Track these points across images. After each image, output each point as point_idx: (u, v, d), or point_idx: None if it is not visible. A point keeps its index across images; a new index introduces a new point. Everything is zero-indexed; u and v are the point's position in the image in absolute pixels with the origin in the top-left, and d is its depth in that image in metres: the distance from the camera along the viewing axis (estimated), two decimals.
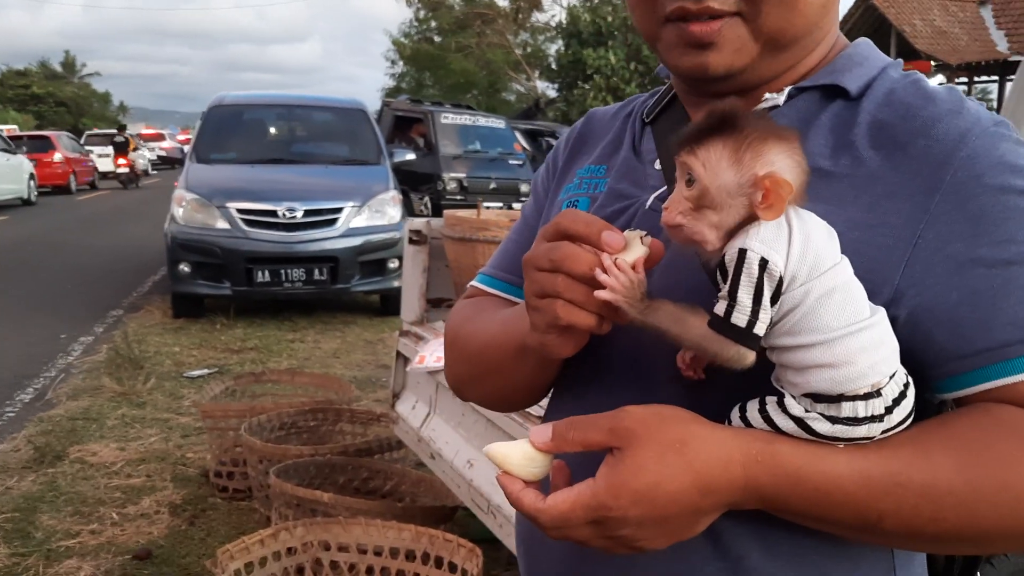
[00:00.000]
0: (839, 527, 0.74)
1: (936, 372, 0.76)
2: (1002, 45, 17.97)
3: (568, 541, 0.76)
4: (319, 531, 2.75)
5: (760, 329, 0.68)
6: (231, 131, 8.87)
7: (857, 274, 0.73)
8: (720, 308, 0.69)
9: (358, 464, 3.68)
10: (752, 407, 0.74)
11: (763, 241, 0.67)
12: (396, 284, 7.89)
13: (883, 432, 0.71)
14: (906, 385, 0.71)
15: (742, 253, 0.67)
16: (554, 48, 27.06)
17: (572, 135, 1.09)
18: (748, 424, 0.74)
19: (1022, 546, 0.73)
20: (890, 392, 0.70)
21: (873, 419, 0.69)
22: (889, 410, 0.70)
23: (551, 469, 0.76)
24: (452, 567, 2.65)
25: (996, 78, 19.68)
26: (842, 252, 0.74)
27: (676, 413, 0.74)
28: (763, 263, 0.67)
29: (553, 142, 17.09)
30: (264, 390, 4.96)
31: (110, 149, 26.69)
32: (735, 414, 0.75)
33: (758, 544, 0.80)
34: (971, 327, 0.73)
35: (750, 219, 0.69)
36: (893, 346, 0.71)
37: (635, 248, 0.74)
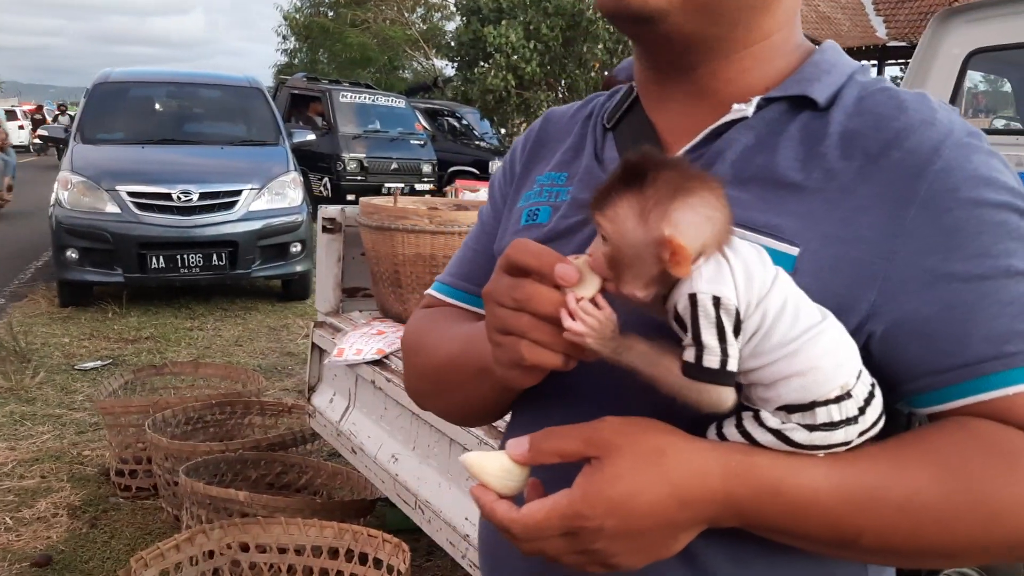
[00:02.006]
0: (817, 542, 0.74)
1: (912, 387, 0.76)
2: (881, 31, 18.73)
3: (538, 557, 0.74)
4: (237, 532, 2.67)
5: (733, 365, 0.68)
6: (118, 110, 8.42)
7: (834, 290, 0.74)
8: (690, 355, 0.68)
9: (271, 459, 3.58)
10: (728, 423, 0.74)
11: (709, 280, 0.68)
12: (299, 269, 7.75)
13: (860, 434, 0.71)
14: (873, 384, 0.72)
15: (692, 298, 0.68)
16: (452, 26, 26.86)
17: (529, 138, 1.05)
18: (724, 439, 0.74)
19: (996, 560, 0.74)
20: (860, 392, 0.70)
21: (848, 421, 0.70)
22: (862, 410, 0.70)
23: (526, 486, 0.75)
24: (377, 563, 2.61)
25: (876, 63, 20.54)
26: (818, 268, 0.74)
27: (654, 424, 0.73)
28: (716, 300, 0.67)
29: (453, 121, 17.06)
30: (165, 382, 4.76)
31: None
32: (711, 431, 0.75)
33: (732, 564, 0.79)
34: (946, 342, 0.73)
35: (668, 272, 0.69)
36: (850, 345, 0.72)
37: (590, 277, 0.72)
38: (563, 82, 19.27)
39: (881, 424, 0.73)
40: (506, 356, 0.75)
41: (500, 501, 0.73)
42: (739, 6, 0.83)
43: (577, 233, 0.90)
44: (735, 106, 0.84)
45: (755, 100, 0.84)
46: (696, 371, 0.68)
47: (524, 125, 20.47)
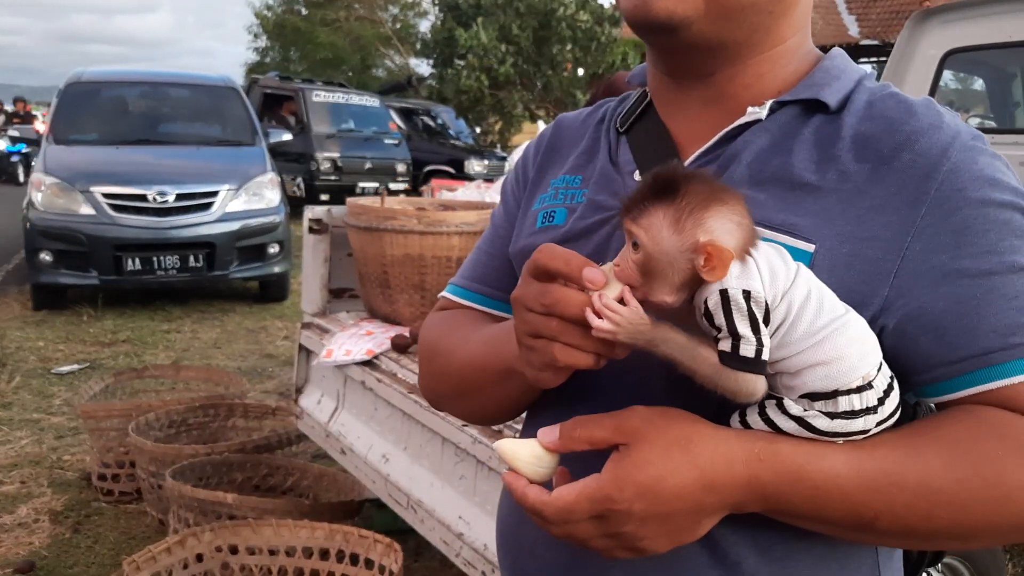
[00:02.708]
0: (836, 526, 0.77)
1: (922, 378, 0.80)
2: (853, 29, 18.96)
3: (565, 544, 0.77)
4: (228, 535, 2.66)
5: (767, 353, 0.72)
6: (91, 110, 8.30)
7: (849, 286, 0.77)
8: (726, 345, 0.71)
9: (256, 461, 3.57)
10: (752, 411, 0.77)
11: (737, 276, 0.71)
12: (276, 270, 7.71)
13: (877, 424, 0.75)
14: (892, 376, 0.76)
15: (723, 293, 0.71)
16: (425, 24, 26.80)
17: (542, 143, 1.08)
18: (747, 427, 0.77)
19: (1007, 540, 0.77)
20: (880, 383, 0.74)
21: (868, 411, 0.73)
22: (881, 401, 0.74)
23: (555, 473, 0.78)
24: (369, 563, 2.61)
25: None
26: (834, 265, 0.78)
27: (681, 414, 0.76)
28: (746, 294, 0.70)
29: (428, 120, 17.02)
30: (145, 386, 4.73)
31: None
32: (735, 419, 0.78)
33: (753, 549, 0.83)
34: (956, 335, 0.77)
35: (697, 277, 0.72)
36: (873, 338, 0.75)
37: (615, 281, 0.75)
38: (538, 82, 19.31)
39: (897, 415, 0.76)
40: (539, 359, 0.77)
41: (532, 486, 0.76)
42: (758, 12, 0.86)
43: (594, 234, 0.92)
44: (750, 109, 0.87)
45: (768, 103, 0.87)
46: (733, 360, 0.71)
47: (499, 124, 20.50)
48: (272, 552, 2.69)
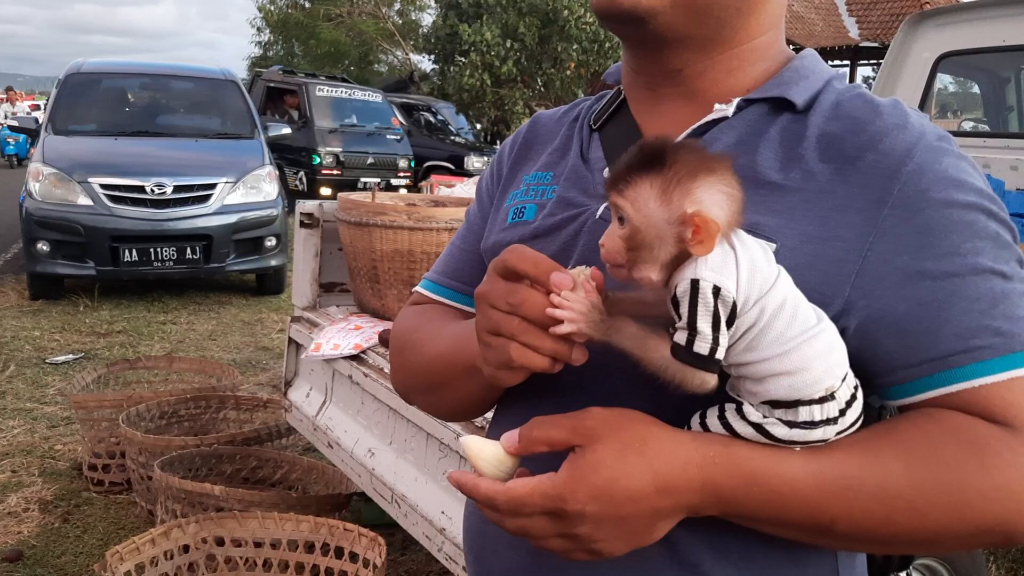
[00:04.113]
0: (793, 529, 0.77)
1: (884, 380, 0.79)
2: (853, 31, 18.94)
3: (524, 541, 0.77)
4: (213, 526, 2.67)
5: (721, 354, 0.70)
6: (90, 101, 8.31)
7: (811, 287, 0.76)
8: (681, 338, 0.70)
9: (246, 453, 3.58)
10: (711, 414, 0.76)
11: (713, 269, 0.69)
12: (273, 263, 7.71)
13: (837, 434, 0.74)
14: (856, 387, 0.75)
15: (695, 283, 0.69)
16: (428, 20, 26.75)
17: (517, 140, 1.08)
18: (707, 429, 0.76)
19: (967, 546, 0.77)
20: (843, 395, 0.73)
21: (828, 422, 0.73)
22: (842, 412, 0.73)
23: (515, 475, 0.78)
24: (353, 556, 2.63)
25: (848, 63, 20.75)
26: (796, 265, 0.76)
27: (638, 415, 0.76)
28: (716, 290, 0.69)
29: (429, 116, 17.01)
30: (139, 376, 4.74)
31: None
32: (695, 420, 0.77)
33: (711, 551, 0.82)
34: (917, 337, 0.77)
35: (685, 252, 0.70)
36: (842, 349, 0.74)
37: (581, 287, 0.75)
38: (539, 80, 19.30)
39: (859, 425, 0.76)
40: (495, 357, 0.77)
41: (483, 478, 0.76)
42: (725, 7, 0.86)
43: (562, 230, 0.93)
44: (716, 106, 0.87)
45: (735, 101, 0.87)
46: (685, 354, 0.70)
47: (499, 121, 20.48)
48: (257, 544, 2.70)
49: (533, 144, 1.06)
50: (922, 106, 4.05)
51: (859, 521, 0.74)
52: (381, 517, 3.02)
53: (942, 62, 3.99)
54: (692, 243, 0.69)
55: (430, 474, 2.37)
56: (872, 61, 16.66)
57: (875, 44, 16.61)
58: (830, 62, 21.34)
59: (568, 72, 18.79)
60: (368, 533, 2.60)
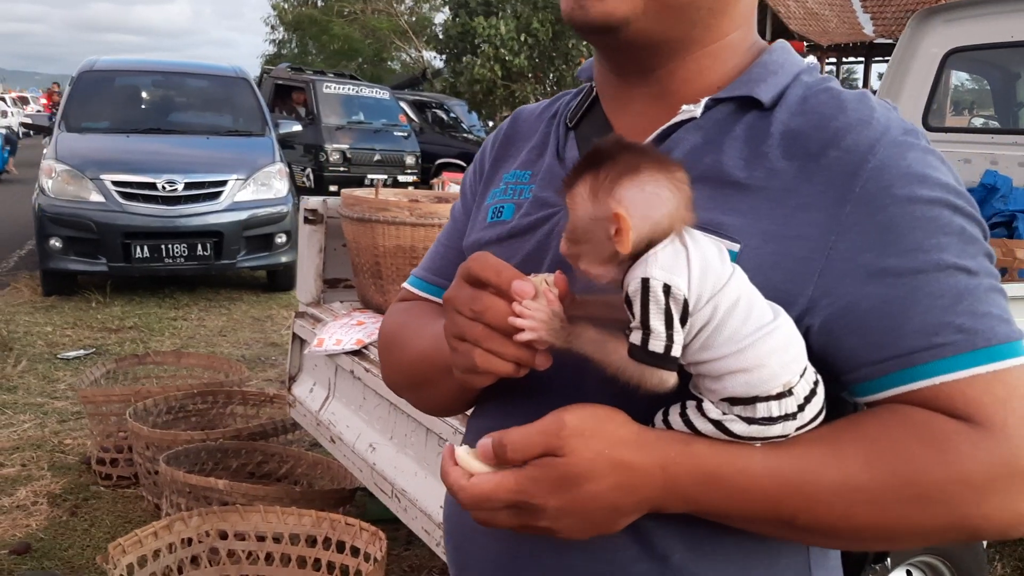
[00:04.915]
0: (757, 524, 0.78)
1: (849, 377, 0.79)
2: (868, 28, 18.85)
3: (501, 531, 0.78)
4: (216, 520, 2.69)
5: (676, 351, 0.71)
6: (103, 98, 8.38)
7: (774, 285, 0.77)
8: (636, 337, 0.71)
9: (252, 448, 3.60)
10: (674, 411, 0.77)
11: (663, 267, 0.70)
12: (284, 260, 7.74)
13: (797, 429, 0.74)
14: (816, 382, 0.75)
15: (644, 282, 0.70)
16: (440, 17, 26.77)
17: (498, 137, 1.08)
18: (670, 427, 0.77)
19: (931, 541, 0.77)
20: (801, 390, 0.73)
21: (787, 417, 0.73)
22: (801, 407, 0.73)
23: None
24: (355, 551, 2.64)
25: (863, 59, 20.64)
26: (759, 265, 0.77)
27: (608, 415, 0.76)
28: (667, 288, 0.70)
29: (441, 114, 17.03)
30: (147, 372, 4.77)
31: None
32: (658, 418, 0.78)
33: (682, 542, 0.83)
34: (881, 335, 0.77)
35: (622, 253, 0.72)
36: (800, 344, 0.75)
37: (543, 291, 0.77)
38: (551, 75, 19.30)
39: (820, 419, 0.76)
40: (462, 361, 0.79)
41: (456, 467, 0.77)
42: (698, 8, 0.86)
43: (537, 230, 0.93)
44: (684, 107, 0.87)
45: (703, 101, 0.87)
46: (641, 354, 0.71)
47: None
48: (260, 538, 2.72)
49: (514, 140, 1.06)
50: (930, 102, 4.02)
51: (820, 515, 0.74)
52: (386, 512, 3.02)
53: (951, 58, 3.96)
54: (615, 241, 0.71)
55: (429, 469, 2.38)
56: (887, 58, 16.58)
57: (890, 40, 16.50)
58: (844, 59, 21.24)
59: (579, 68, 18.79)
60: (369, 528, 2.61)
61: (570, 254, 0.75)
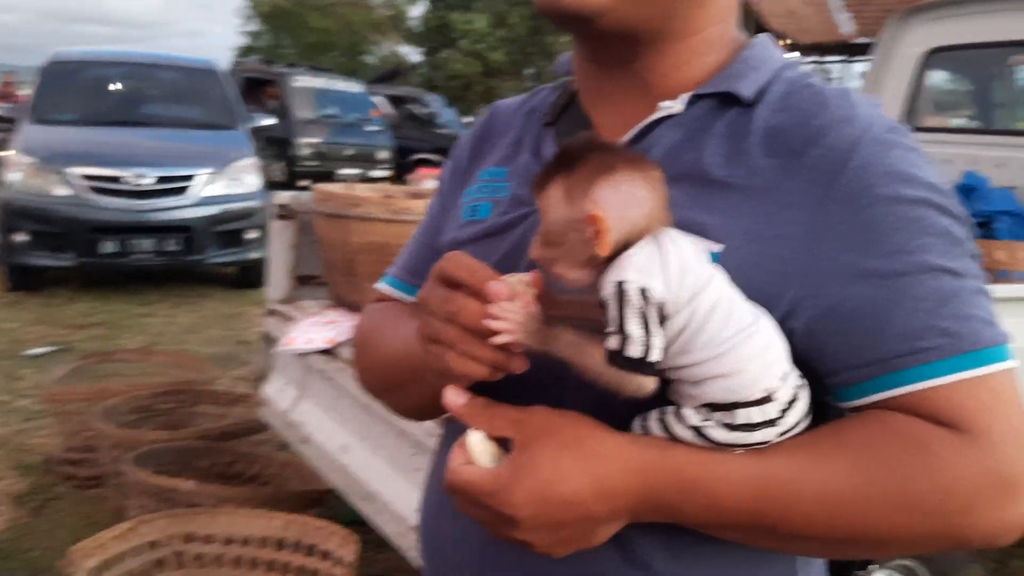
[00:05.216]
0: (738, 533, 0.76)
1: (832, 381, 0.77)
2: (847, 27, 18.98)
3: (475, 538, 0.82)
4: (183, 522, 2.62)
5: (655, 356, 0.69)
6: (71, 90, 8.20)
7: (757, 286, 0.74)
8: (613, 343, 0.69)
9: (220, 448, 3.53)
10: (652, 417, 0.75)
11: (639, 270, 0.68)
12: (255, 256, 7.63)
13: (779, 435, 0.72)
14: (798, 387, 0.73)
15: (619, 285, 0.68)
16: (417, 11, 26.66)
17: (475, 132, 1.05)
18: (648, 433, 0.75)
19: (915, 550, 0.75)
20: (783, 396, 0.71)
21: (768, 423, 0.71)
22: (783, 413, 0.72)
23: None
24: (325, 554, 2.59)
25: (843, 58, 20.79)
26: (740, 265, 0.75)
27: (580, 418, 0.75)
28: (643, 291, 0.67)
29: (417, 108, 16.94)
30: (114, 370, 4.67)
31: None
32: (636, 424, 0.76)
33: (664, 550, 0.81)
34: (864, 338, 0.75)
35: (597, 255, 0.70)
36: (780, 349, 0.73)
37: (520, 292, 0.74)
38: (529, 70, 19.30)
39: (803, 425, 0.74)
40: (435, 364, 0.77)
41: (459, 451, 0.77)
42: (685, 8, 0.84)
43: (514, 229, 0.91)
44: (662, 104, 0.85)
45: (684, 98, 0.85)
46: (619, 359, 0.69)
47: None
48: (228, 541, 2.66)
49: (491, 136, 1.03)
50: (911, 102, 4.02)
51: (801, 525, 0.72)
52: (357, 514, 2.99)
53: (931, 57, 3.96)
54: (593, 243, 0.69)
55: (402, 472, 2.33)
56: (868, 57, 16.73)
57: (870, 40, 16.66)
58: (825, 58, 21.40)
59: None
60: (340, 530, 2.56)
61: (543, 258, 0.73)
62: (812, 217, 0.76)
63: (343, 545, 2.52)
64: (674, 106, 0.84)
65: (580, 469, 0.72)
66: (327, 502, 3.26)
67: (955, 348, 0.73)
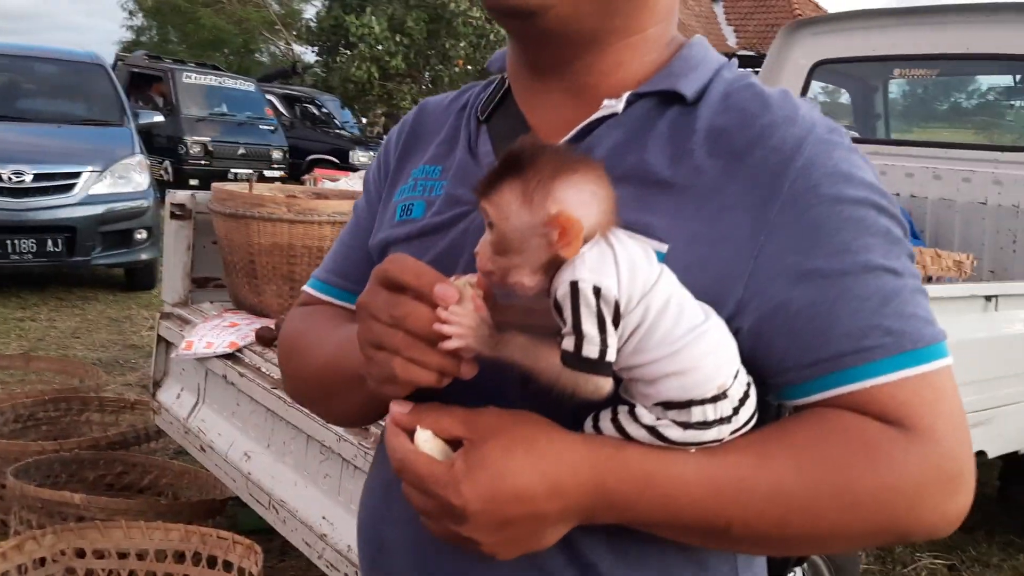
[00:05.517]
0: (688, 533, 0.75)
1: (778, 380, 0.78)
2: (731, 39, 19.66)
3: (420, 546, 0.80)
4: (73, 537, 2.49)
5: (611, 355, 0.68)
6: None
7: (703, 288, 0.74)
8: (568, 344, 0.68)
9: (110, 458, 3.38)
10: (604, 417, 0.74)
11: (591, 269, 0.68)
12: (144, 257, 7.36)
13: (732, 432, 0.73)
14: (748, 384, 0.74)
15: (574, 285, 0.67)
16: (311, 10, 26.20)
17: (404, 130, 1.03)
18: (600, 433, 0.74)
19: (863, 545, 0.78)
20: (735, 392, 0.72)
21: (721, 421, 0.71)
22: (736, 410, 0.72)
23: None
24: (227, 565, 2.50)
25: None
26: (687, 266, 0.75)
27: (532, 417, 0.74)
28: (596, 290, 0.67)
29: (312, 108, 16.63)
30: None
31: None
32: (588, 424, 0.75)
33: (609, 551, 0.80)
34: (809, 337, 0.75)
35: (558, 256, 0.69)
36: (732, 346, 0.73)
37: (468, 295, 0.72)
38: (427, 75, 19.20)
39: (753, 423, 0.74)
40: (379, 371, 0.74)
41: (405, 437, 0.74)
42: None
43: (451, 229, 0.89)
44: (605, 102, 0.84)
45: (625, 96, 0.84)
46: (575, 360, 0.68)
47: (385, 116, 20.28)
48: (122, 555, 2.54)
49: (421, 134, 1.00)
50: None
51: (754, 524, 0.73)
52: (259, 523, 2.90)
53: (817, 69, 4.13)
54: (559, 245, 0.67)
55: (310, 478, 2.28)
56: (749, 69, 17.42)
57: (751, 53, 17.31)
58: None
59: (456, 68, 18.75)
60: (243, 541, 2.48)
61: (496, 269, 0.70)
62: (756, 218, 0.76)
63: (247, 556, 2.45)
64: (616, 105, 0.83)
65: (531, 465, 0.70)
66: (227, 511, 3.17)
67: (899, 347, 0.74)
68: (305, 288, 1.06)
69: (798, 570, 2.16)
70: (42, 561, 2.45)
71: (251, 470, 2.49)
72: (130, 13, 31.00)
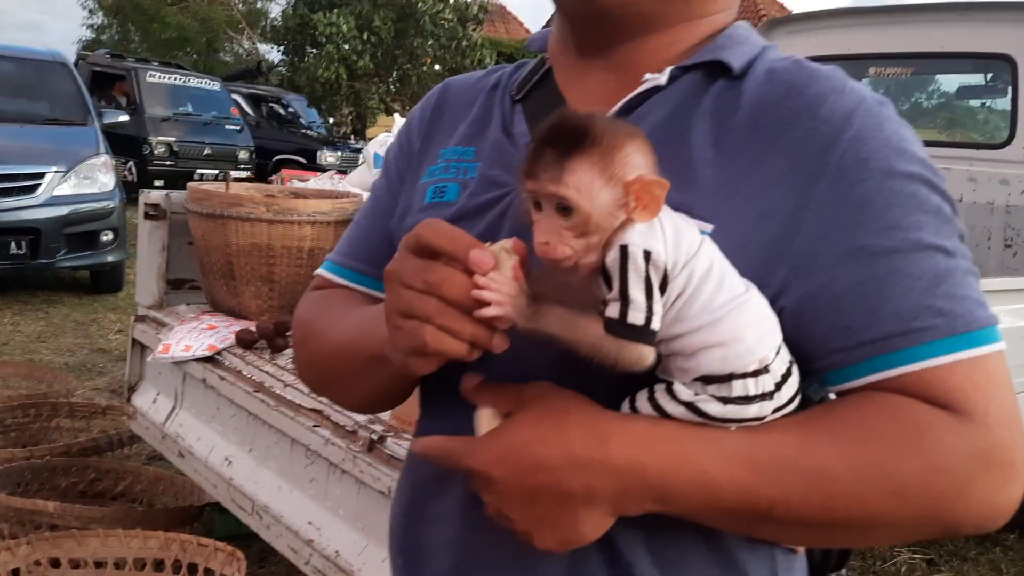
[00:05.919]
0: (728, 517, 0.72)
1: (821, 364, 0.75)
2: None
3: (456, 544, 0.81)
4: (48, 547, 2.43)
5: (656, 323, 0.66)
6: None
7: (746, 267, 0.72)
8: (614, 310, 0.66)
9: (83, 465, 3.30)
10: (641, 396, 0.72)
11: (641, 234, 0.66)
12: (110, 259, 7.22)
13: (774, 410, 0.71)
14: (791, 362, 0.72)
15: (624, 250, 0.66)
16: (276, 9, 25.93)
17: (428, 109, 0.99)
18: (637, 413, 0.73)
19: (908, 536, 0.74)
20: (777, 368, 0.70)
21: (763, 396, 0.69)
22: (778, 386, 0.70)
23: None
24: (208, 573, 2.45)
25: None
26: (730, 245, 0.72)
27: (575, 395, 0.73)
28: (647, 255, 0.66)
29: (278, 108, 16.46)
30: None
31: None
32: (625, 405, 0.73)
33: (647, 551, 0.78)
34: (856, 318, 0.72)
35: (622, 226, 0.67)
36: (773, 319, 0.71)
37: (504, 262, 0.69)
38: (395, 74, 19.10)
39: (796, 403, 0.72)
40: (406, 342, 0.70)
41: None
42: None
43: (488, 212, 0.86)
44: (647, 76, 0.82)
45: (668, 70, 0.82)
46: (619, 327, 0.66)
47: (352, 116, 20.13)
48: (99, 564, 2.48)
49: (447, 113, 0.97)
50: None
51: (797, 507, 0.70)
52: (237, 528, 2.85)
53: None
54: (637, 210, 0.66)
55: (295, 483, 2.23)
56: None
57: None
58: None
59: (425, 68, 18.66)
60: (225, 547, 2.44)
61: (575, 252, 0.67)
62: (801, 193, 0.74)
63: (229, 563, 2.40)
64: (660, 78, 0.81)
65: (557, 437, 0.69)
66: (204, 517, 3.11)
67: (951, 328, 0.71)
68: (319, 271, 1.02)
69: None
70: (16, 572, 2.39)
71: (233, 475, 2.44)
72: (90, 11, 30.49)
